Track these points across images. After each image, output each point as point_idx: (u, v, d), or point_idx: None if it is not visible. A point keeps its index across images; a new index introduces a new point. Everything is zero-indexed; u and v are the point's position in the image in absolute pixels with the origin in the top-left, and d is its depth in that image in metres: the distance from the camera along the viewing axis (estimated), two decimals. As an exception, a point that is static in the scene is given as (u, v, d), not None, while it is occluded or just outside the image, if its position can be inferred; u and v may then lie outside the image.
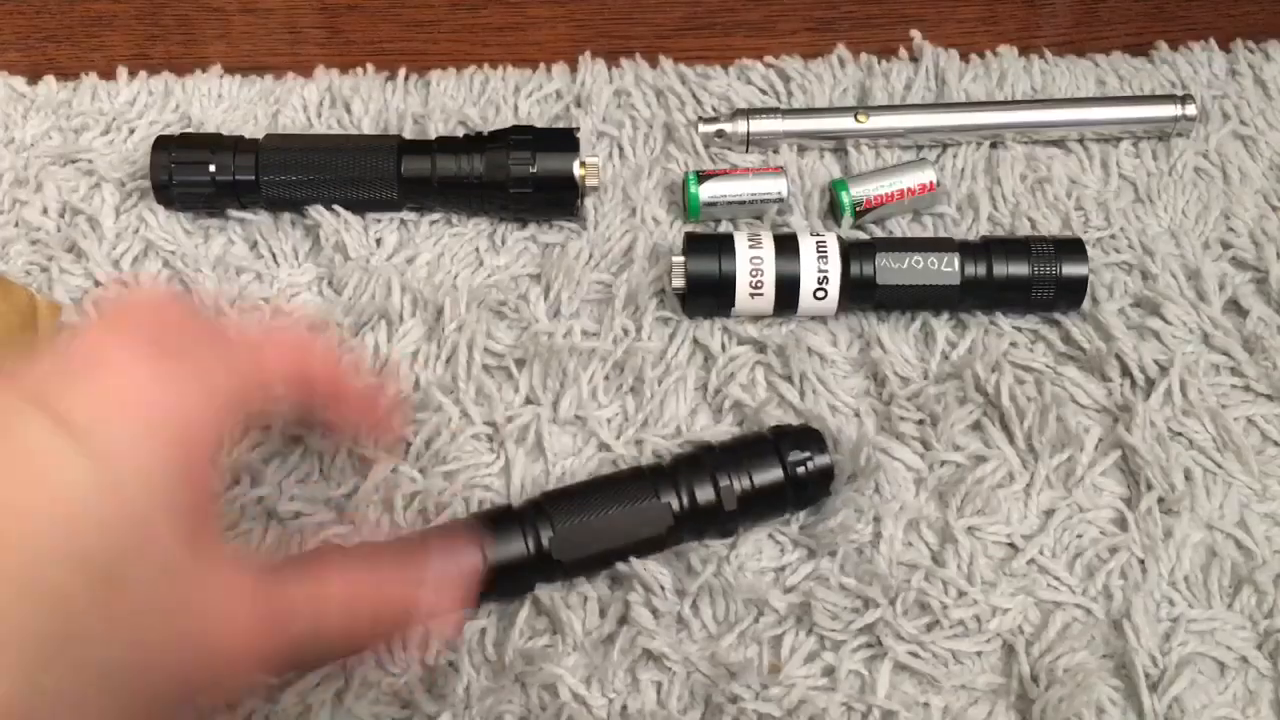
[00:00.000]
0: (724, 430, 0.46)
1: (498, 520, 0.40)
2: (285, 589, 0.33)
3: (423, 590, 0.36)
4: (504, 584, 0.40)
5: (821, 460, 0.42)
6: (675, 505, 0.41)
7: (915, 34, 0.59)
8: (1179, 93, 0.56)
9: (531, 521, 0.40)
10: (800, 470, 0.41)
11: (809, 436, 0.42)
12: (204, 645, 0.30)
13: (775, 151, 0.55)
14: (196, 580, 0.29)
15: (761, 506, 0.42)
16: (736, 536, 0.42)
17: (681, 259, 0.47)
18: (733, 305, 0.48)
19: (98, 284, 0.50)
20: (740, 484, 0.41)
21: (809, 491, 0.42)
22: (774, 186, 0.51)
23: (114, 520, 0.27)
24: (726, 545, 0.42)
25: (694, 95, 0.57)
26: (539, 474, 0.44)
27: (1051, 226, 0.52)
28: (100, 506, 0.27)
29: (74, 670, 0.26)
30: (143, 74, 0.57)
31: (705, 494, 0.41)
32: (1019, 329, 0.49)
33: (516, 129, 0.51)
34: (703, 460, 0.42)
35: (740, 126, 0.54)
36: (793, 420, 0.45)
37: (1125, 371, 0.47)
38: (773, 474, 0.41)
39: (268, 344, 0.37)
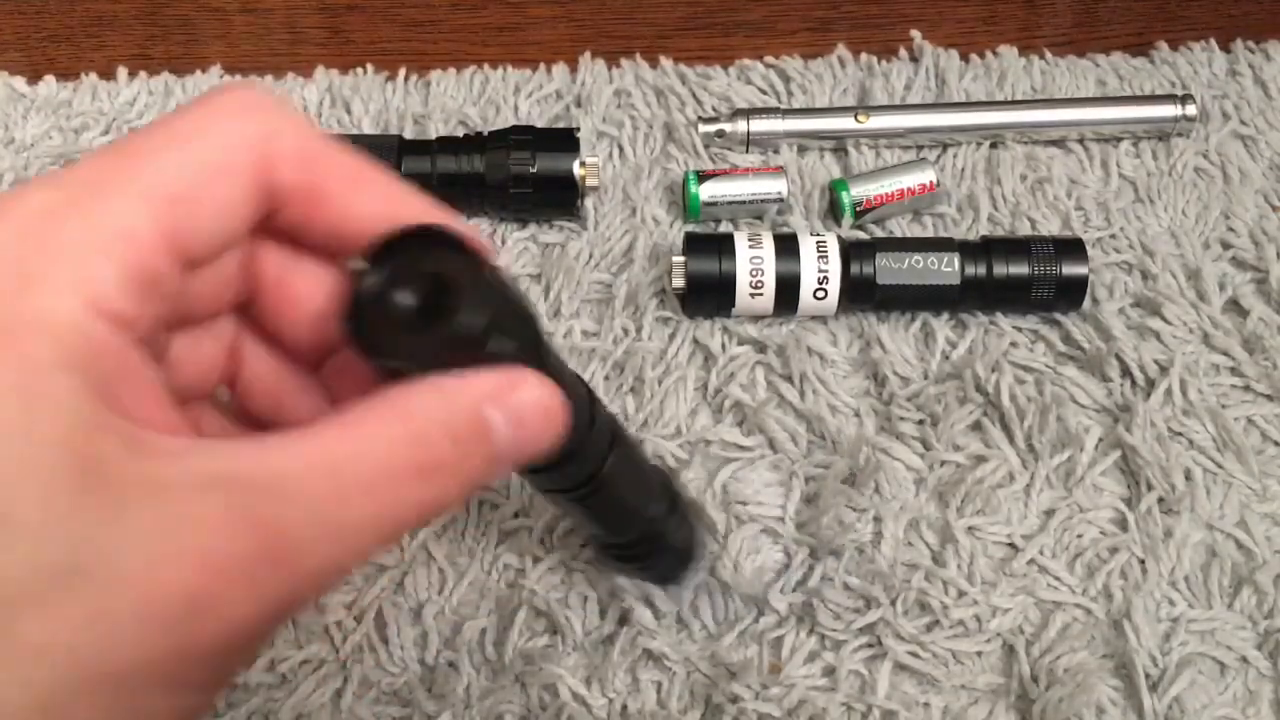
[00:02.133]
0: (725, 430, 0.46)
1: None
2: (283, 490, 0.20)
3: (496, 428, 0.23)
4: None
5: None
6: None
7: (915, 34, 0.59)
8: (1179, 93, 0.56)
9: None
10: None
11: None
12: (149, 615, 0.19)
13: (775, 151, 0.55)
14: (103, 529, 0.19)
15: None
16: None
17: (681, 259, 0.47)
18: (733, 305, 0.48)
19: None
20: None
21: None
22: (774, 186, 0.51)
23: None
24: (720, 544, 0.42)
25: (694, 95, 0.57)
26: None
27: (1051, 226, 0.52)
28: None
29: None
30: (143, 74, 0.57)
31: None
32: (1019, 329, 0.49)
33: (516, 129, 0.51)
34: None
35: (740, 126, 0.54)
36: (792, 420, 0.46)
37: (1125, 371, 0.47)
38: None
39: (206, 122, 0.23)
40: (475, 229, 0.24)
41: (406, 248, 0.23)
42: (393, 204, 0.24)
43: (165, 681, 0.19)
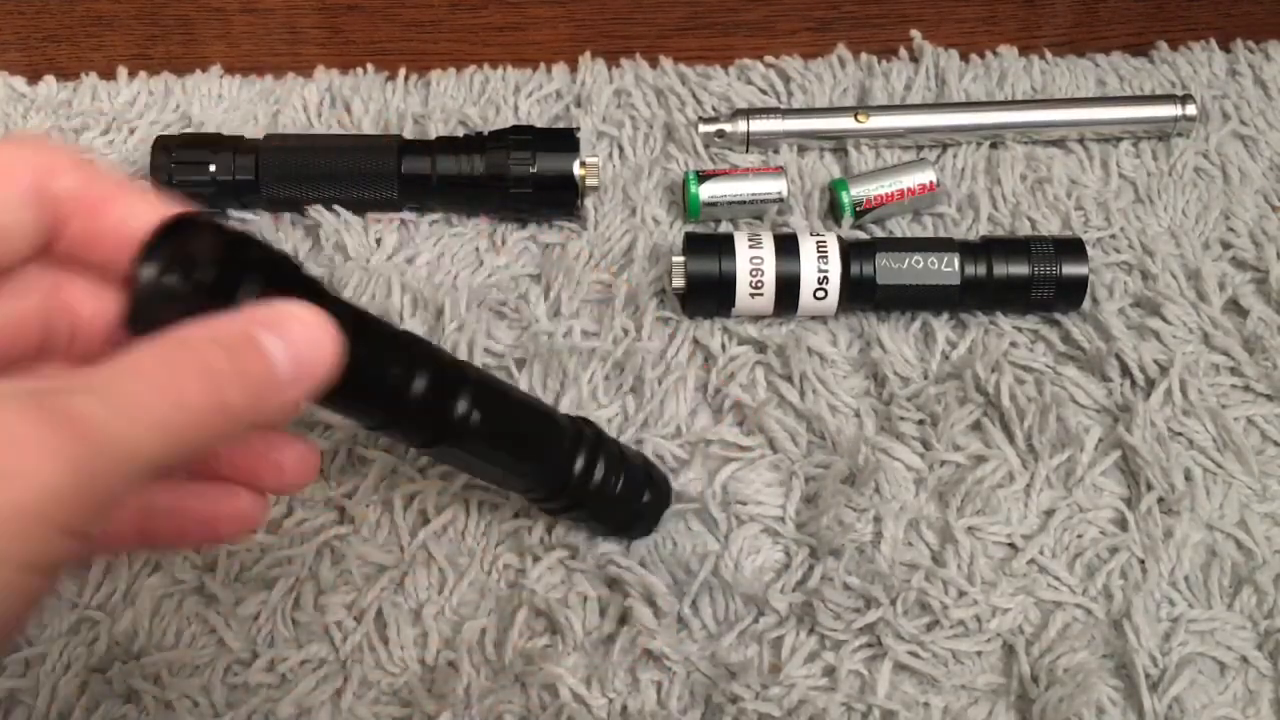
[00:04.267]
0: (725, 430, 0.46)
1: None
2: (71, 389, 0.22)
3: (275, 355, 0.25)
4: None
5: None
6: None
7: (915, 34, 0.59)
8: (1179, 93, 0.56)
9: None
10: None
11: None
12: None
13: (775, 151, 0.55)
14: None
15: None
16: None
17: (681, 259, 0.47)
18: (733, 305, 0.48)
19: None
20: None
21: None
22: (774, 186, 0.51)
23: None
24: (720, 543, 0.42)
25: (694, 95, 0.57)
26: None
27: (1051, 226, 0.52)
28: None
29: None
30: (143, 74, 0.57)
31: None
32: (1019, 329, 0.49)
33: (516, 129, 0.51)
34: None
35: (740, 126, 0.54)
36: (792, 420, 0.46)
37: (1125, 371, 0.47)
38: None
39: None
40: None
41: (166, 239, 0.25)
42: (161, 209, 0.27)
43: None
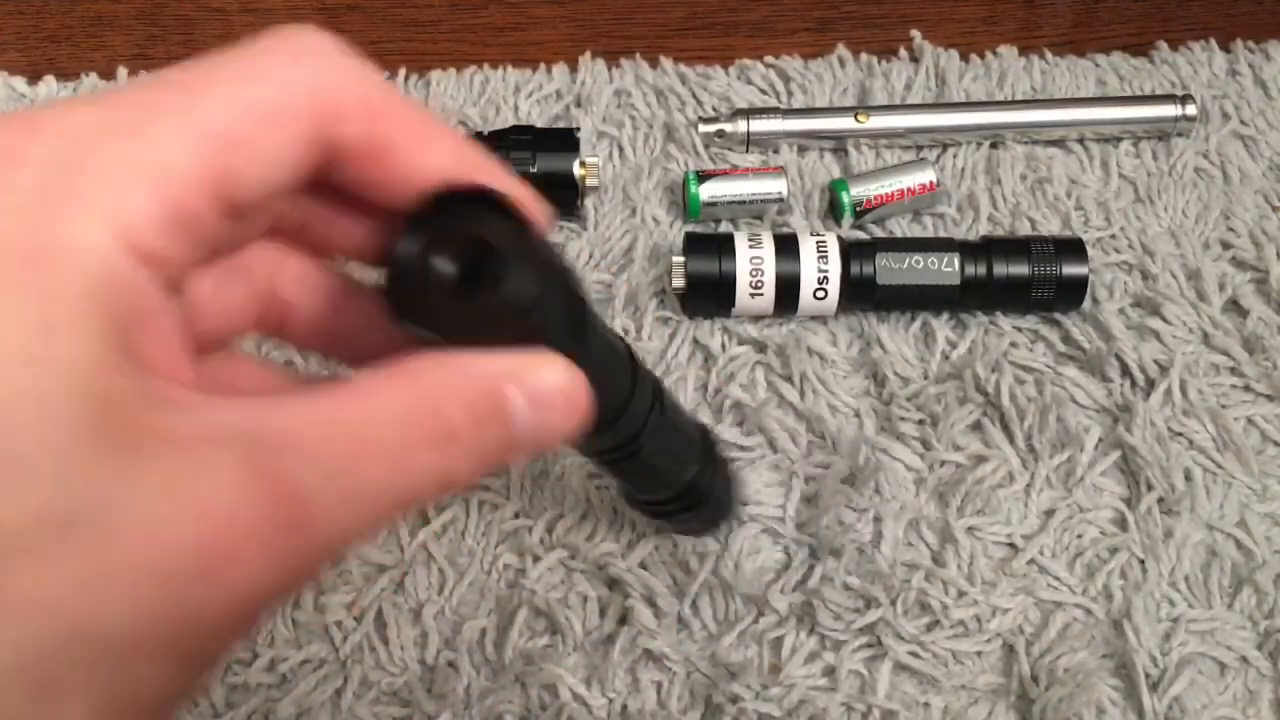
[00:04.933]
0: (725, 430, 0.46)
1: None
2: (300, 450, 0.19)
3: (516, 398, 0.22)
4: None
5: None
6: None
7: (915, 34, 0.59)
8: (1179, 93, 0.56)
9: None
10: None
11: None
12: (147, 575, 0.17)
13: (775, 151, 0.55)
14: (113, 479, 0.17)
15: None
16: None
17: (681, 259, 0.47)
18: (733, 305, 0.48)
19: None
20: None
21: None
22: (774, 186, 0.51)
23: None
24: (720, 543, 0.42)
25: (694, 95, 0.57)
26: (539, 474, 0.44)
27: (1051, 226, 0.52)
28: None
29: None
30: (143, 74, 0.57)
31: None
32: (1019, 329, 0.49)
33: (516, 129, 0.51)
34: None
35: (740, 126, 0.54)
36: (792, 420, 0.46)
37: (1125, 371, 0.47)
38: None
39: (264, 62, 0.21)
40: (530, 194, 0.23)
41: (452, 209, 0.21)
42: (460, 163, 0.22)
43: (158, 650, 0.18)
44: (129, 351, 0.18)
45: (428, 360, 0.21)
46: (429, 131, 0.22)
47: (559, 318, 0.22)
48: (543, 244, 0.22)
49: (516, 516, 0.43)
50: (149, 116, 0.19)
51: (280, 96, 0.20)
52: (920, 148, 0.55)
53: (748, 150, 0.55)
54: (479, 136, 0.51)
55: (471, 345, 0.21)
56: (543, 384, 0.22)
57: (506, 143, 0.50)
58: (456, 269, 0.21)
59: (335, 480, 0.19)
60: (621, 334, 0.48)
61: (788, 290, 0.47)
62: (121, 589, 0.17)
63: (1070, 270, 0.48)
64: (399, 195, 0.22)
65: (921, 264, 0.47)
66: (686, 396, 0.47)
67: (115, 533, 0.17)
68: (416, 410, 0.20)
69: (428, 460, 0.20)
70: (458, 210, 0.21)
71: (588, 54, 0.58)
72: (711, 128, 0.55)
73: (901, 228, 0.52)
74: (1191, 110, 0.55)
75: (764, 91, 0.58)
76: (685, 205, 0.52)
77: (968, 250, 0.48)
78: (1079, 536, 0.43)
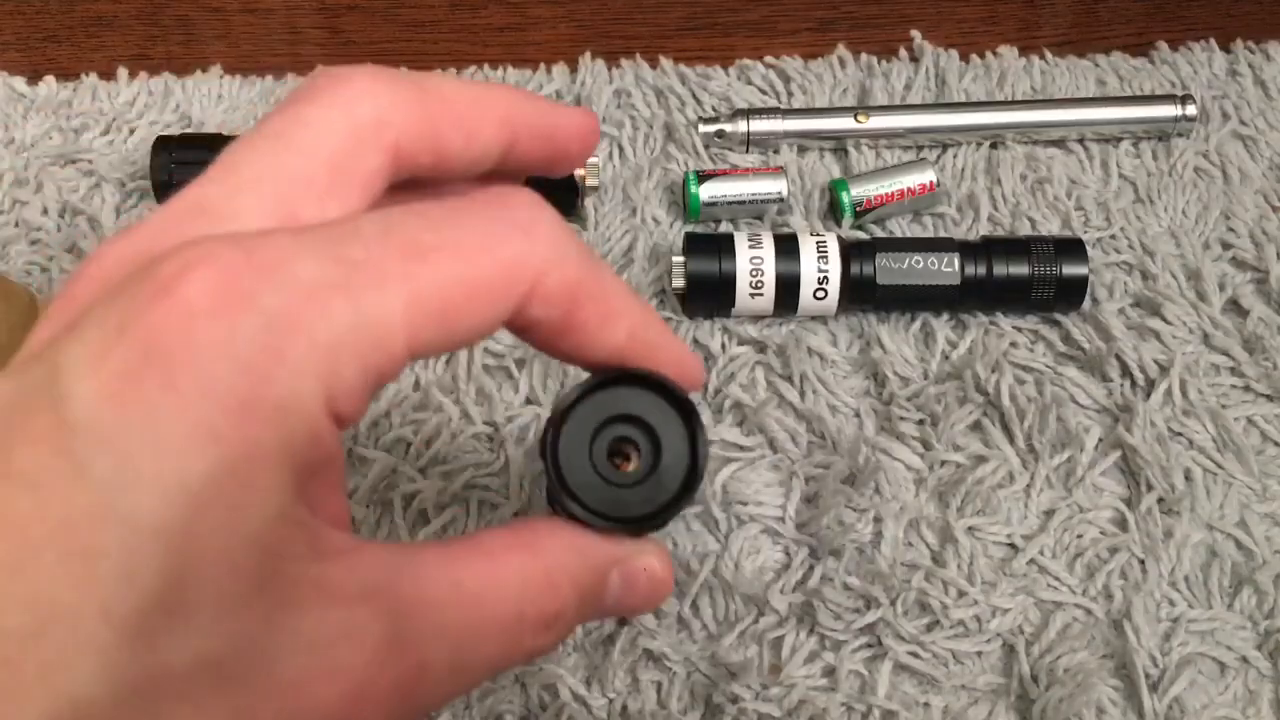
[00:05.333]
0: (725, 430, 0.46)
1: None
2: (431, 620, 0.20)
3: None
4: None
5: None
6: None
7: (915, 34, 0.59)
8: (1179, 93, 0.56)
9: None
10: None
11: None
12: None
13: (775, 151, 0.55)
14: (268, 629, 0.18)
15: None
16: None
17: (681, 259, 0.47)
18: (733, 305, 0.48)
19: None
20: None
21: None
22: (774, 186, 0.51)
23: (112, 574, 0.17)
24: (720, 543, 0.42)
25: (694, 95, 0.57)
26: (539, 473, 0.44)
27: (1051, 226, 0.52)
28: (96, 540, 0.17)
29: None
30: (143, 74, 0.57)
31: None
32: (1019, 329, 0.49)
33: (516, 129, 0.51)
34: None
35: (740, 126, 0.54)
36: (792, 420, 0.46)
37: (1125, 371, 0.47)
38: None
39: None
40: (696, 363, 0.25)
41: (628, 391, 0.23)
42: (635, 345, 0.23)
43: None
44: (308, 502, 0.19)
45: (549, 533, 0.22)
46: (615, 309, 0.23)
47: (680, 515, 0.24)
48: (699, 433, 0.23)
49: (516, 516, 0.43)
50: (375, 281, 0.19)
51: (496, 276, 0.21)
52: (920, 148, 0.55)
53: (748, 150, 0.55)
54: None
55: (604, 521, 0.23)
56: (639, 569, 0.23)
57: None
58: (610, 452, 0.23)
59: (454, 654, 0.20)
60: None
61: (788, 290, 0.47)
62: None
63: (1070, 270, 0.48)
64: (568, 358, 0.23)
65: (921, 264, 0.47)
66: (686, 396, 0.46)
67: (266, 685, 0.18)
68: (533, 586, 0.22)
69: (533, 640, 0.22)
70: (627, 391, 0.23)
71: (588, 54, 0.58)
72: (711, 128, 0.55)
73: (901, 228, 0.52)
74: (1191, 110, 0.55)
75: (764, 91, 0.58)
76: (685, 205, 0.52)
77: (968, 250, 0.48)
78: (1079, 536, 0.43)
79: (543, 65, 0.58)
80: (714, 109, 0.57)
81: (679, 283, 0.47)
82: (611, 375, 0.23)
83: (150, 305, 0.18)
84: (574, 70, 0.58)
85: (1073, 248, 0.48)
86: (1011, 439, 0.45)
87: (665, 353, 0.24)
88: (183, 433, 0.18)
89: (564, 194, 0.50)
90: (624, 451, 0.23)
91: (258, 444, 0.18)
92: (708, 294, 0.48)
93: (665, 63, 0.58)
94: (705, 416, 0.46)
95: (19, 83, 0.57)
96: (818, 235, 0.48)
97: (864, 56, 0.59)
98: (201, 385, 0.18)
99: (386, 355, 0.20)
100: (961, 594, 0.41)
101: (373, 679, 0.19)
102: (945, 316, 0.49)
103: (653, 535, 0.24)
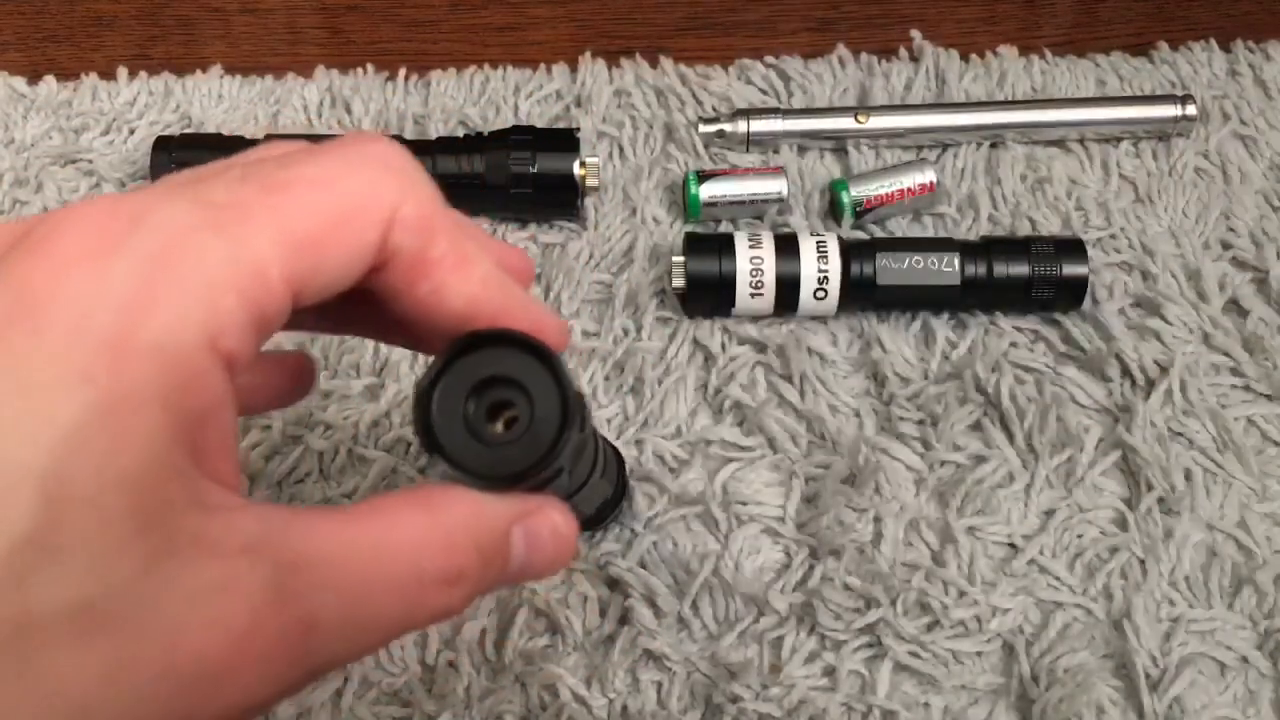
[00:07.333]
0: (725, 430, 0.46)
1: None
2: (320, 574, 0.20)
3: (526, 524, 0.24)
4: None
5: None
6: None
7: (915, 34, 0.59)
8: (1179, 93, 0.56)
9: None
10: None
11: None
12: (167, 677, 0.18)
13: (775, 151, 0.55)
14: (145, 577, 0.18)
15: None
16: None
17: (681, 259, 0.47)
18: (733, 305, 0.48)
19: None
20: None
21: None
22: (774, 186, 0.51)
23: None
24: (720, 543, 0.42)
25: (694, 95, 0.57)
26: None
27: (1051, 226, 0.52)
28: None
29: None
30: (143, 74, 0.57)
31: None
32: (1019, 329, 0.49)
33: (516, 129, 0.51)
34: None
35: (740, 126, 0.54)
36: (792, 420, 0.46)
37: (1125, 371, 0.47)
38: None
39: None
40: (555, 323, 0.25)
41: (484, 351, 0.23)
42: (489, 291, 0.24)
43: None
44: (189, 451, 0.19)
45: (444, 494, 0.22)
46: (468, 256, 0.24)
47: (569, 465, 0.24)
48: (577, 401, 0.23)
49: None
50: (245, 219, 0.20)
51: (356, 204, 0.22)
52: (920, 148, 0.55)
53: (748, 150, 0.55)
54: (479, 136, 0.51)
55: (489, 480, 0.23)
56: (542, 526, 0.23)
57: (506, 143, 0.50)
58: (487, 414, 0.23)
59: (347, 610, 0.20)
60: (622, 333, 0.48)
61: (788, 290, 0.47)
62: (139, 688, 0.18)
63: (1070, 270, 0.48)
64: (426, 311, 0.24)
65: (921, 264, 0.47)
66: (686, 396, 0.47)
67: (144, 632, 0.18)
68: (431, 544, 0.21)
69: (435, 598, 0.21)
70: (490, 353, 0.23)
71: (588, 54, 0.58)
72: (711, 128, 0.55)
73: (901, 228, 0.52)
74: (1191, 110, 0.55)
75: (764, 91, 0.58)
76: (685, 205, 0.52)
77: (968, 250, 0.48)
78: (1079, 536, 0.43)
79: (543, 65, 0.58)
80: (714, 109, 0.57)
81: (679, 283, 0.47)
82: (471, 338, 0.23)
83: (21, 260, 0.19)
84: (574, 70, 0.58)
85: (1073, 248, 0.48)
86: (1011, 439, 0.45)
87: (522, 312, 0.24)
88: (51, 376, 0.18)
89: (564, 194, 0.50)
90: (500, 414, 0.23)
91: (134, 384, 0.18)
92: (708, 294, 0.48)
93: (665, 63, 0.58)
94: (705, 417, 0.46)
95: (19, 83, 0.57)
96: (818, 235, 0.48)
97: (864, 56, 0.59)
98: (71, 329, 0.18)
99: (264, 288, 0.20)
100: (961, 594, 0.41)
101: (255, 630, 0.19)
102: (945, 316, 0.49)
103: (563, 496, 0.24)
